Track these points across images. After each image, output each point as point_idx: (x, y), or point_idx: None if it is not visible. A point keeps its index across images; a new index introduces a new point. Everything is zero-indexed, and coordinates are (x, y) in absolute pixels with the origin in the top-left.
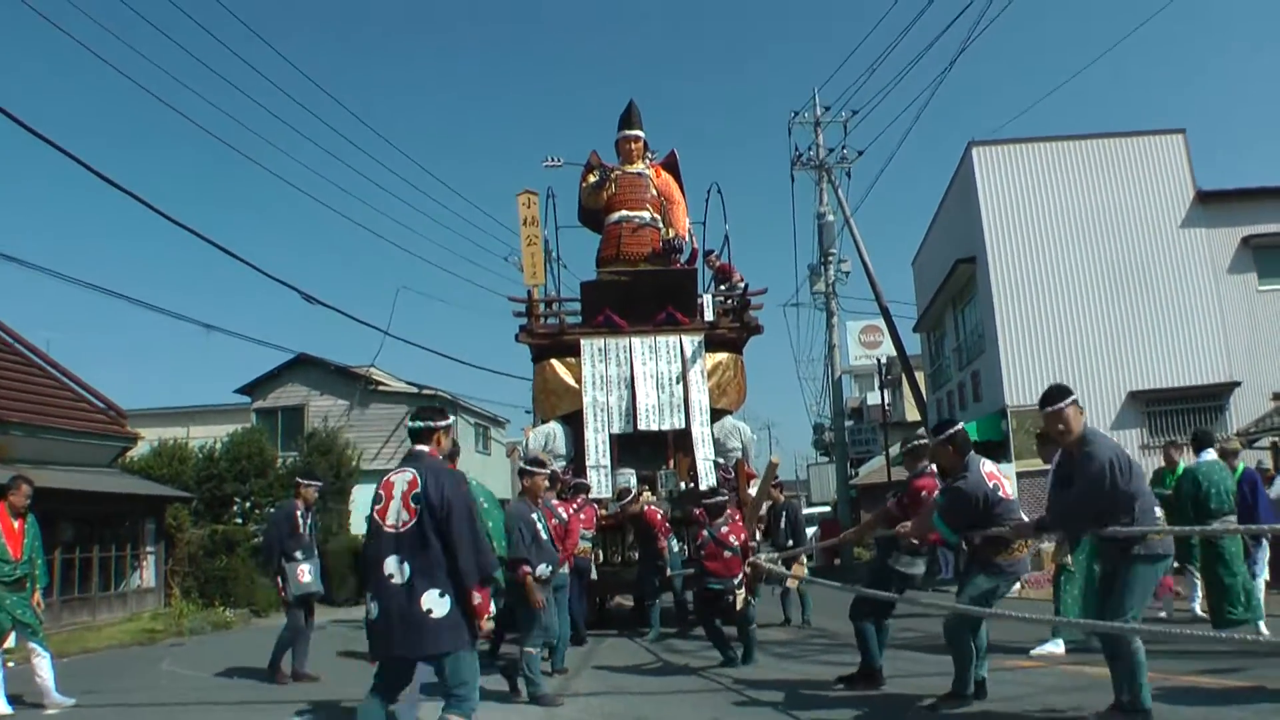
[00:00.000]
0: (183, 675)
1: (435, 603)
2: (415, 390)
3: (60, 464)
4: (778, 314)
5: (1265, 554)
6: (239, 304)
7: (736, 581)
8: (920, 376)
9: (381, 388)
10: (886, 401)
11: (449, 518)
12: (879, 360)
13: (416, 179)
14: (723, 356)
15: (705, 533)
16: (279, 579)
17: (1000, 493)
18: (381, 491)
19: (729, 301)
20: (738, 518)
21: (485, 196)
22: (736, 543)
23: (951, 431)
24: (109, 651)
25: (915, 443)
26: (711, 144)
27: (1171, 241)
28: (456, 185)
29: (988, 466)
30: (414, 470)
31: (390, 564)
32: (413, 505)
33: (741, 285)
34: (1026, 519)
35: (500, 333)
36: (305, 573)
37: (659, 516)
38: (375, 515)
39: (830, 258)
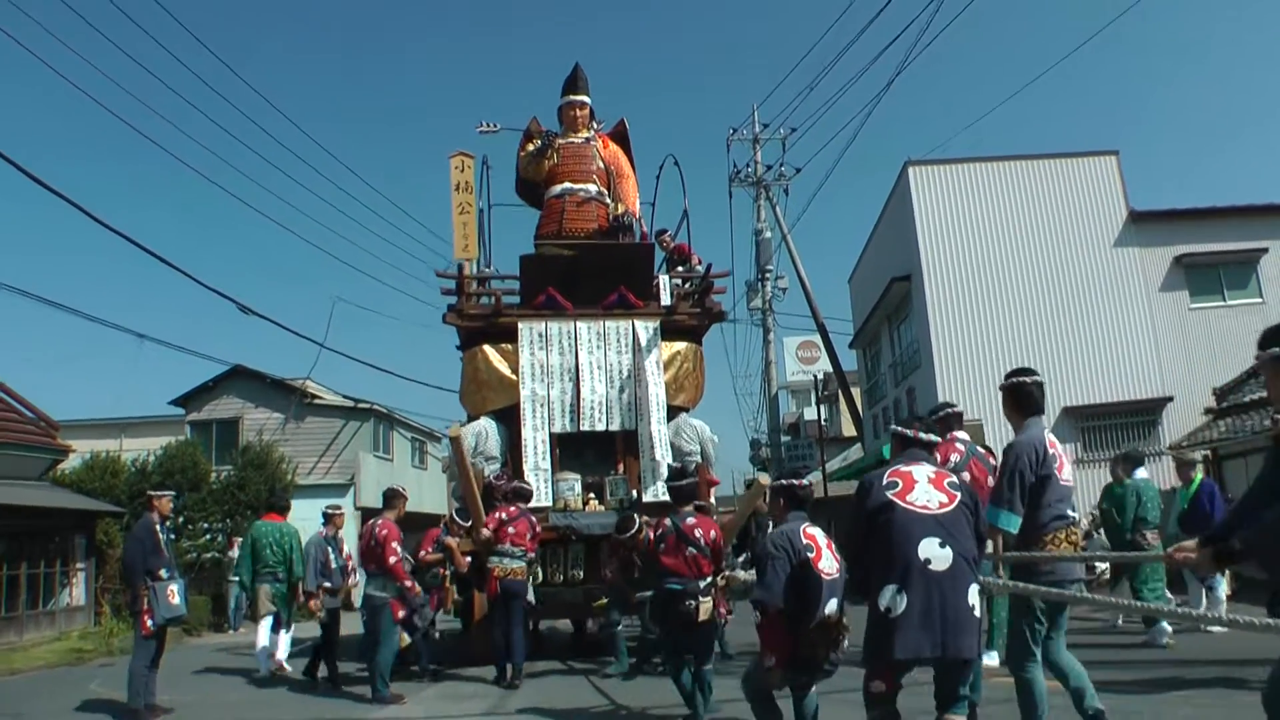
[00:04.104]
0: (111, 698)
1: (977, 599)
2: (351, 404)
3: None
4: (715, 329)
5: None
6: (173, 313)
7: (704, 585)
8: (856, 392)
9: (317, 401)
10: (823, 417)
11: (978, 508)
12: (815, 376)
13: (351, 187)
14: (681, 346)
15: (668, 522)
16: (144, 601)
17: (1057, 467)
18: (897, 479)
19: (687, 284)
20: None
21: (422, 206)
22: (704, 540)
23: None
24: (36, 672)
25: (946, 411)
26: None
27: (1105, 260)
28: (392, 195)
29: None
30: (933, 465)
31: (928, 546)
32: (950, 489)
33: (701, 267)
34: (1073, 514)
35: (437, 346)
36: (174, 594)
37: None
38: (893, 497)
39: (767, 274)
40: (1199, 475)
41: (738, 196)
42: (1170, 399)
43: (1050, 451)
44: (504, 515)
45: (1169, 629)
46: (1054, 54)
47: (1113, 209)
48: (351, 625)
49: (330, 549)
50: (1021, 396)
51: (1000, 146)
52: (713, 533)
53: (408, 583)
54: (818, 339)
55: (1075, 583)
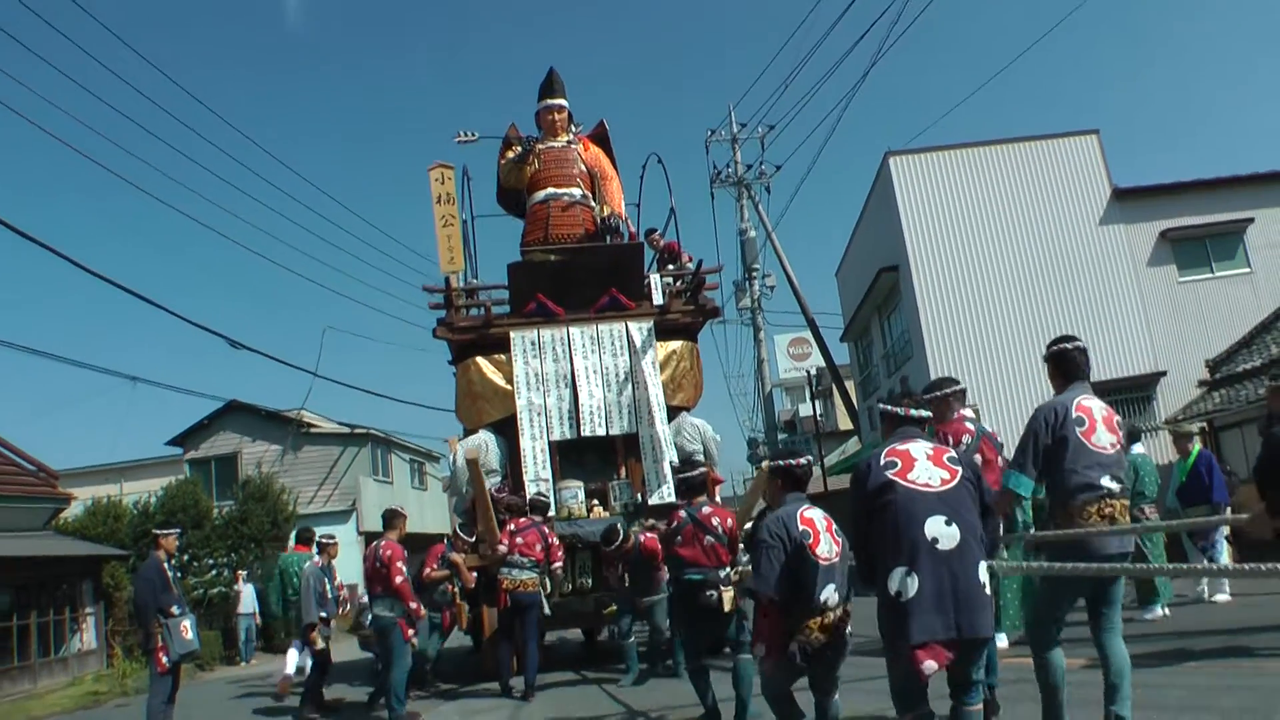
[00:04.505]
0: None
1: (986, 574)
2: (347, 430)
3: None
4: (705, 330)
5: (1223, 533)
6: (163, 352)
7: (724, 574)
8: (850, 385)
9: (314, 430)
10: (818, 412)
11: (980, 481)
12: (809, 371)
13: (331, 213)
14: (676, 345)
15: (683, 513)
16: (159, 639)
17: (1084, 430)
18: (895, 459)
19: (679, 282)
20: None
21: (404, 225)
22: (721, 528)
23: None
24: (54, 718)
25: (950, 389)
26: (629, 158)
27: (1092, 239)
28: (372, 217)
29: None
30: (929, 441)
31: (934, 525)
32: (950, 464)
33: (692, 264)
34: (1111, 485)
35: (431, 365)
36: (187, 629)
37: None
38: (893, 477)
39: (754, 273)
40: (1196, 447)
41: (720, 197)
42: (1164, 373)
43: (1076, 414)
44: (513, 526)
45: (1159, 611)
46: (1029, 33)
47: (1096, 187)
48: (348, 651)
49: (325, 579)
50: (1065, 363)
51: (980, 131)
52: (729, 520)
53: (413, 604)
54: (809, 335)
55: (1116, 558)
